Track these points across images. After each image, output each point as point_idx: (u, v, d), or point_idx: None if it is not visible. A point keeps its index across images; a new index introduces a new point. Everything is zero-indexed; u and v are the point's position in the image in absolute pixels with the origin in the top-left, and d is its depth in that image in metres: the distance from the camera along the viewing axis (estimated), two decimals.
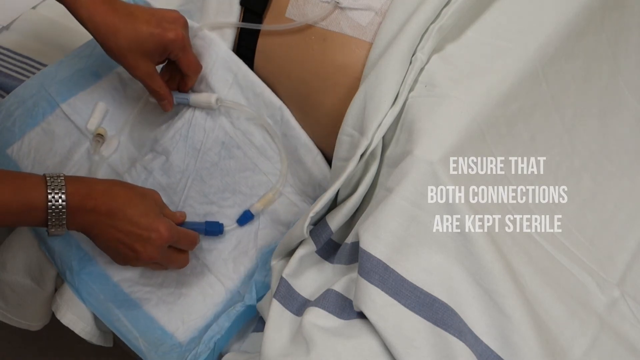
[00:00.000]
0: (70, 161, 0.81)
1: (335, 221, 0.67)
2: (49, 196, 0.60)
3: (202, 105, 0.76)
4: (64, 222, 0.62)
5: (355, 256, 0.63)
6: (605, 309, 0.65)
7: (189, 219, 0.79)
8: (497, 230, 0.61)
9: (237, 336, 0.76)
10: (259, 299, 0.75)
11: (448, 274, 0.59)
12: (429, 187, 0.59)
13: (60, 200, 0.61)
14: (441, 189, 0.58)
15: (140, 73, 0.72)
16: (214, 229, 0.77)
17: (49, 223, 0.61)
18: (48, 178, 0.61)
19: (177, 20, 0.71)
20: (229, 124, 0.78)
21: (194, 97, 0.77)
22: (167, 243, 0.67)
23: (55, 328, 0.79)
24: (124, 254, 0.66)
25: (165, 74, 0.77)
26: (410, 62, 0.64)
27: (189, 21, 0.78)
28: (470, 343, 0.57)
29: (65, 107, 0.83)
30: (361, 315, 0.60)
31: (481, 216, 0.59)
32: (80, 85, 0.84)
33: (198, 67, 0.75)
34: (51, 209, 0.61)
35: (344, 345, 0.59)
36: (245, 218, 0.78)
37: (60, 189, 0.61)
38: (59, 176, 0.62)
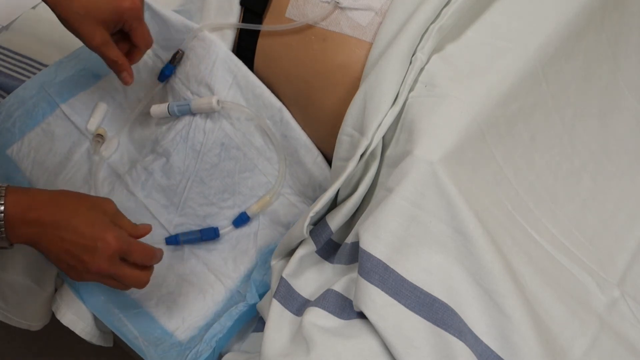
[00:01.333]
0: (70, 161, 0.81)
1: (335, 221, 0.67)
2: None
3: (204, 108, 0.76)
4: (4, 234, 0.59)
5: (355, 256, 0.63)
6: (605, 309, 0.65)
7: (189, 220, 0.79)
8: (497, 230, 0.61)
9: (237, 336, 0.76)
10: (260, 297, 0.75)
11: (448, 274, 0.59)
12: (429, 187, 0.59)
13: None
14: (441, 189, 0.58)
15: (97, 42, 0.68)
16: (210, 235, 0.77)
17: None
18: None
19: None
20: (229, 125, 0.78)
21: (194, 102, 0.76)
22: (116, 253, 0.62)
23: (55, 328, 0.79)
24: (73, 265, 0.62)
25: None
26: (410, 62, 0.64)
27: (189, 22, 0.78)
28: (470, 343, 0.57)
29: (65, 108, 0.83)
30: (361, 315, 0.60)
31: (481, 216, 0.59)
32: (80, 86, 0.84)
33: (150, 40, 0.72)
34: None
35: (344, 345, 0.59)
36: (241, 220, 0.78)
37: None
38: (1, 186, 0.59)
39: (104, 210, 0.64)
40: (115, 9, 0.67)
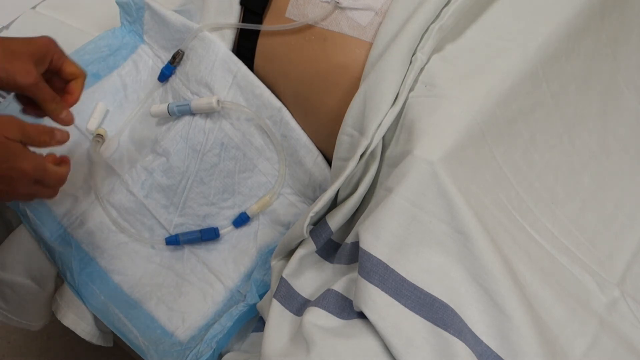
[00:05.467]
0: (70, 161, 0.81)
1: (335, 221, 0.67)
2: None
3: (204, 109, 0.76)
4: None
5: (355, 256, 0.63)
6: (605, 309, 0.65)
7: (189, 220, 0.79)
8: (497, 230, 0.61)
9: (237, 336, 0.76)
10: (260, 297, 0.75)
11: (448, 274, 0.59)
12: (429, 187, 0.59)
13: None
14: (441, 189, 0.58)
15: (33, 77, 0.62)
16: (210, 235, 0.77)
17: None
18: None
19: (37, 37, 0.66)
20: (229, 125, 0.78)
21: (194, 103, 0.76)
22: (31, 179, 0.62)
23: (56, 328, 0.79)
24: None
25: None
26: (410, 62, 0.64)
27: (189, 22, 0.78)
28: (470, 343, 0.57)
29: None
30: (361, 315, 0.60)
31: (481, 216, 0.59)
32: None
33: (83, 71, 0.69)
34: None
35: (344, 345, 0.58)
36: (241, 220, 0.78)
37: None
38: None
39: (6, 137, 0.60)
40: (37, 43, 0.64)
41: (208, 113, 0.77)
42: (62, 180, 0.67)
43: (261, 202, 0.78)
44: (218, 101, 0.76)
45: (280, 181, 0.79)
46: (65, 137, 0.65)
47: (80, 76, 0.69)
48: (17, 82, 0.62)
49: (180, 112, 0.77)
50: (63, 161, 0.68)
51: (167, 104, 0.78)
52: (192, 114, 0.77)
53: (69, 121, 0.68)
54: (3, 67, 0.60)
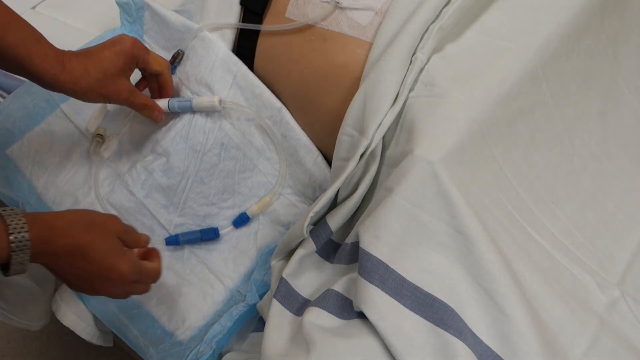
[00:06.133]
0: (70, 161, 0.81)
1: (335, 221, 0.67)
2: (12, 236, 0.55)
3: (206, 108, 0.76)
4: (27, 263, 0.57)
5: (356, 256, 0.63)
6: (605, 309, 0.65)
7: (189, 220, 0.79)
8: (497, 230, 0.61)
9: (237, 336, 0.76)
10: (260, 297, 0.75)
11: (448, 273, 0.59)
12: (429, 187, 0.59)
13: (23, 241, 0.55)
14: (441, 189, 0.58)
15: (125, 93, 0.73)
16: (210, 235, 0.77)
17: (12, 262, 0.56)
18: (7, 218, 0.55)
19: (123, 36, 0.73)
20: (229, 125, 0.78)
21: (196, 101, 0.76)
22: (127, 281, 0.63)
23: (56, 328, 0.79)
24: (83, 288, 0.63)
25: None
26: (410, 62, 0.64)
27: (189, 22, 0.78)
28: (470, 343, 0.57)
29: (65, 108, 0.83)
30: (361, 315, 0.60)
31: (481, 216, 0.59)
32: None
33: (165, 61, 0.77)
34: (15, 250, 0.55)
35: (344, 345, 0.58)
36: (241, 220, 0.78)
37: (22, 229, 0.55)
38: (18, 215, 0.56)
39: (114, 231, 0.64)
40: (125, 53, 0.71)
41: (208, 113, 0.77)
42: (157, 277, 0.68)
43: (261, 202, 0.78)
44: (220, 101, 0.75)
45: (281, 181, 0.78)
46: (147, 240, 0.70)
47: (165, 68, 0.77)
48: (112, 101, 0.73)
49: (180, 108, 0.77)
50: (150, 254, 0.70)
51: (167, 99, 0.78)
52: (193, 111, 0.77)
53: (160, 120, 0.78)
54: (99, 93, 0.71)
